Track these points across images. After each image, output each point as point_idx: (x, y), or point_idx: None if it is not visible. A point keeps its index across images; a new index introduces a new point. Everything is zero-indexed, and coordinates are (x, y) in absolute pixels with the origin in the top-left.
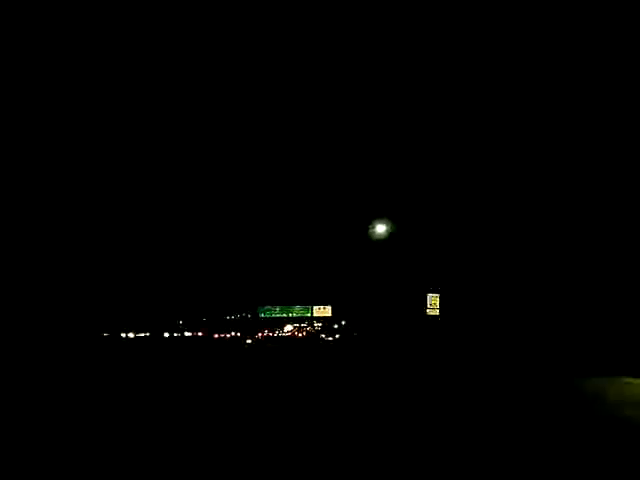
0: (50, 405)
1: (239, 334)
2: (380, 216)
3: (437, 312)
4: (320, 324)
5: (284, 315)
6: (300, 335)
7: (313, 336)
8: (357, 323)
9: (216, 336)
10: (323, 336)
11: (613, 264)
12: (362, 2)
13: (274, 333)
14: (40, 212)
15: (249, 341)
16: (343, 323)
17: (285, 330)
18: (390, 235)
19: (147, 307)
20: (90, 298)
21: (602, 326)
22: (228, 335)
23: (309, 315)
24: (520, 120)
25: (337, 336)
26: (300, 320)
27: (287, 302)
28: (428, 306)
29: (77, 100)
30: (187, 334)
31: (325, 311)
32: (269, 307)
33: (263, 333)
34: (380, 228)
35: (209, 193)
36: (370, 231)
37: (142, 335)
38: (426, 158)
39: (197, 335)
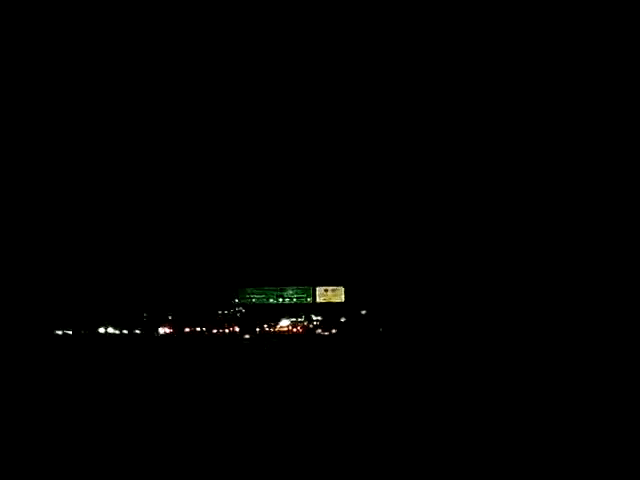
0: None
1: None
2: None
3: None
4: (319, 318)
5: (272, 301)
6: (295, 330)
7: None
8: (389, 312)
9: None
10: (319, 331)
11: None
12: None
13: (263, 329)
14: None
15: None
16: (363, 313)
17: (279, 326)
18: None
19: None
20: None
21: None
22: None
23: (310, 301)
24: None
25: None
26: (297, 309)
27: (279, 282)
28: None
29: (73, 97)
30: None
31: (335, 294)
32: (249, 290)
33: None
34: None
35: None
36: None
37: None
38: None
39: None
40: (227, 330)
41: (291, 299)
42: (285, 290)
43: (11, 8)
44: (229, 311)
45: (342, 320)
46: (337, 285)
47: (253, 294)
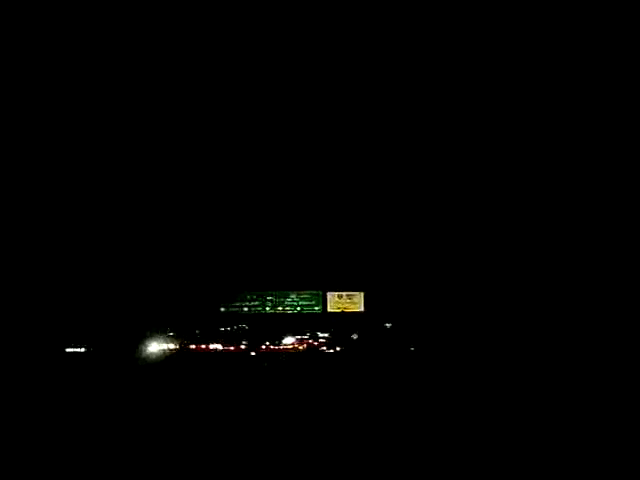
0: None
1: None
2: None
3: None
4: (326, 335)
5: (268, 310)
6: (301, 348)
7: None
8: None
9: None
10: (324, 348)
11: None
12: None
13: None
14: None
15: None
16: (388, 326)
17: (284, 343)
18: None
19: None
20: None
21: None
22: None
23: (319, 310)
24: None
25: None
26: (303, 320)
27: (279, 285)
28: None
29: (72, 97)
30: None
31: (351, 302)
32: (240, 296)
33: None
34: None
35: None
36: None
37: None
38: None
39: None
40: (232, 347)
41: (295, 307)
42: (288, 295)
43: (11, 8)
44: (232, 328)
45: (354, 337)
46: (354, 290)
47: (246, 301)
